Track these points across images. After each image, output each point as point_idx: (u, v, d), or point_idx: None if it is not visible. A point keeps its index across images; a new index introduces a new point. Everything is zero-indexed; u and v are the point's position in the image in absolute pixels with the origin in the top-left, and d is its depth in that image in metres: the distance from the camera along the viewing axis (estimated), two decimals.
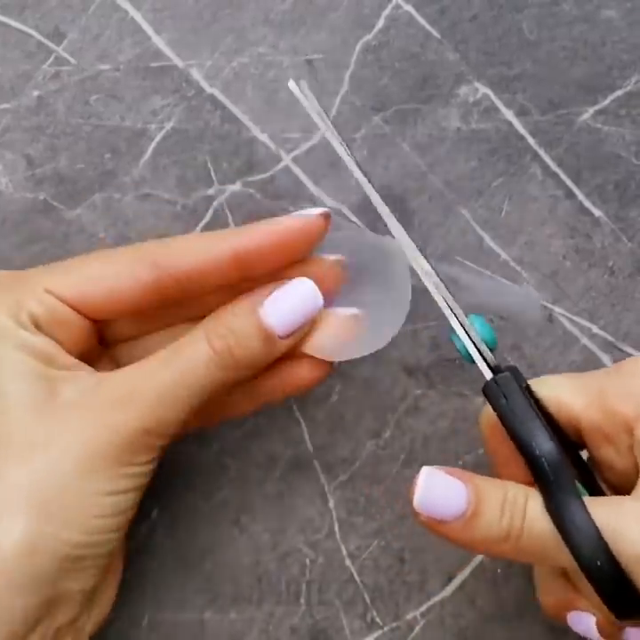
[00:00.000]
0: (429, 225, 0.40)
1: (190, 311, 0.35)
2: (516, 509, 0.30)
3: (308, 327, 0.34)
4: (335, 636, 0.39)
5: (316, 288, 0.33)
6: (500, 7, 0.40)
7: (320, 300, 0.34)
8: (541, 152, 0.40)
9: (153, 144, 0.40)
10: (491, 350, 0.32)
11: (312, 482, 0.40)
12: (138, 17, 0.40)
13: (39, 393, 0.31)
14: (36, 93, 0.40)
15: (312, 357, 0.35)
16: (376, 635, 0.39)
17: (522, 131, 0.40)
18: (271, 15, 0.40)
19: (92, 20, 0.40)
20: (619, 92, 0.40)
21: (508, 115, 0.40)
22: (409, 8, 0.40)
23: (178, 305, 0.34)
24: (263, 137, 0.40)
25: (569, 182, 0.40)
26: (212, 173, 0.40)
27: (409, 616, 0.39)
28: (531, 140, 0.40)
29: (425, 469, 0.31)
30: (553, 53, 0.40)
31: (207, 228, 0.39)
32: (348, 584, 0.39)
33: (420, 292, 0.39)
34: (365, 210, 0.40)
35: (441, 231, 0.40)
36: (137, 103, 0.40)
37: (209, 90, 0.40)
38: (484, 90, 0.40)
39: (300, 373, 0.35)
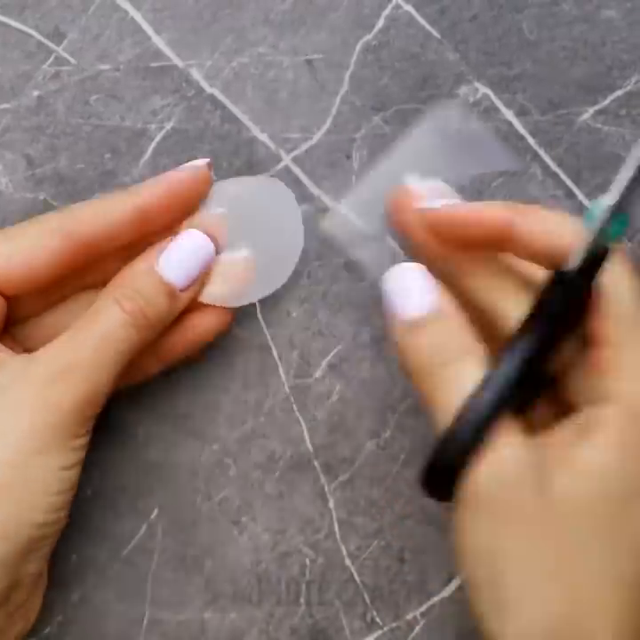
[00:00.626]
0: None
1: (88, 280, 0.36)
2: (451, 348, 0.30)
3: (204, 276, 0.36)
4: (335, 636, 0.39)
5: (205, 237, 0.35)
6: (500, 7, 0.40)
7: (211, 247, 0.36)
8: (541, 152, 0.40)
9: (153, 144, 0.40)
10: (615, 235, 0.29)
11: (312, 482, 0.39)
12: (138, 17, 0.40)
13: None
14: (35, 93, 0.40)
15: (211, 307, 0.36)
16: (376, 635, 0.39)
17: (522, 131, 0.40)
18: (271, 15, 0.40)
19: (92, 20, 0.40)
20: (619, 92, 0.40)
21: (508, 115, 0.40)
22: (409, 8, 0.40)
23: (84, 272, 0.35)
24: (263, 137, 0.40)
25: (569, 182, 0.40)
26: (213, 174, 0.40)
27: (409, 616, 0.39)
28: (531, 140, 0.40)
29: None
30: (553, 53, 0.40)
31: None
32: (348, 584, 0.39)
33: None
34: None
35: None
36: (137, 103, 0.40)
37: (209, 90, 0.40)
38: (483, 90, 0.40)
39: (202, 325, 0.37)
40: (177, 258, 0.35)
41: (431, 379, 0.30)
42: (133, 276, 0.34)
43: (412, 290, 0.31)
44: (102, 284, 0.35)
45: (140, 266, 0.34)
